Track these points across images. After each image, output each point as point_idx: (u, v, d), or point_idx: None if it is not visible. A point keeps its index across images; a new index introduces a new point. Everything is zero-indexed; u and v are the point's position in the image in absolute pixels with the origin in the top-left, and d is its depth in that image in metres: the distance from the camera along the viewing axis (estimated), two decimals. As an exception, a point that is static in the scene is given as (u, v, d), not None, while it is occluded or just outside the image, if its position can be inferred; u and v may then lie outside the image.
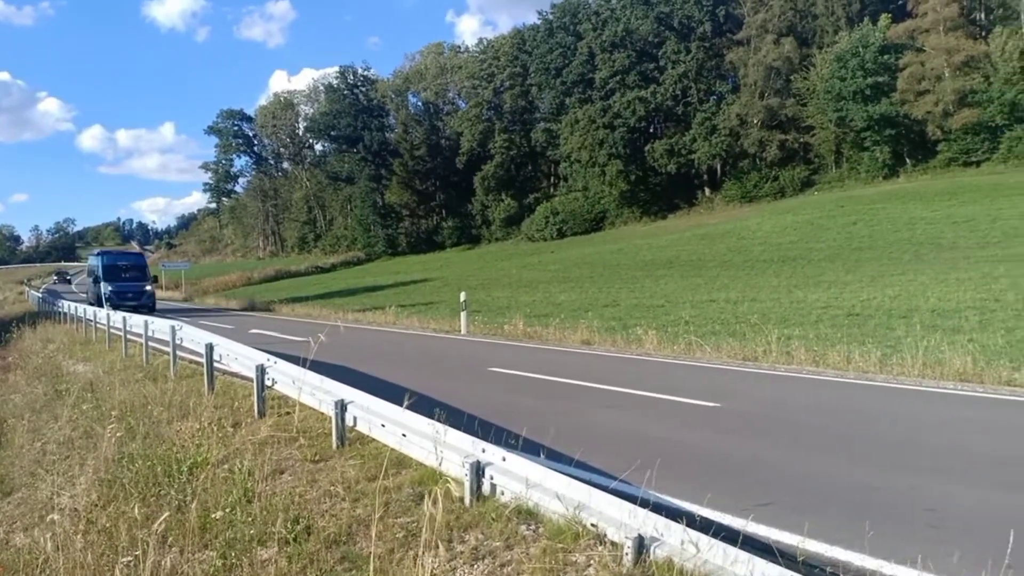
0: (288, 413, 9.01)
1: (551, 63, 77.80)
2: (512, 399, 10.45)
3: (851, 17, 63.50)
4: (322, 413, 8.28)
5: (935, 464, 6.71)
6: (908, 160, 58.23)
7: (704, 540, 4.47)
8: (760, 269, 34.24)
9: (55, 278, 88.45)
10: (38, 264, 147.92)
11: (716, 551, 4.41)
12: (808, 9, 67.15)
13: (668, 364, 13.26)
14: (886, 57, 56.99)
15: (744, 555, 4.27)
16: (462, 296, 20.29)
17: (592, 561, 4.82)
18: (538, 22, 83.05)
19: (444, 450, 6.30)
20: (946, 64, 54.68)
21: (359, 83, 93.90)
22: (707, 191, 71.03)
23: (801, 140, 64.64)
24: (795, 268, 32.83)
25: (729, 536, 4.55)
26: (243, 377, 10.71)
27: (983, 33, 58.32)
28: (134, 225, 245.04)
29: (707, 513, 5.40)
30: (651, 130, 74.76)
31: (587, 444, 7.49)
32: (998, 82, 53.95)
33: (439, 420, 6.57)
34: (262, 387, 9.39)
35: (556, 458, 6.70)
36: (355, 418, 7.56)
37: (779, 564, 4.12)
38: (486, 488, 5.88)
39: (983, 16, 59.96)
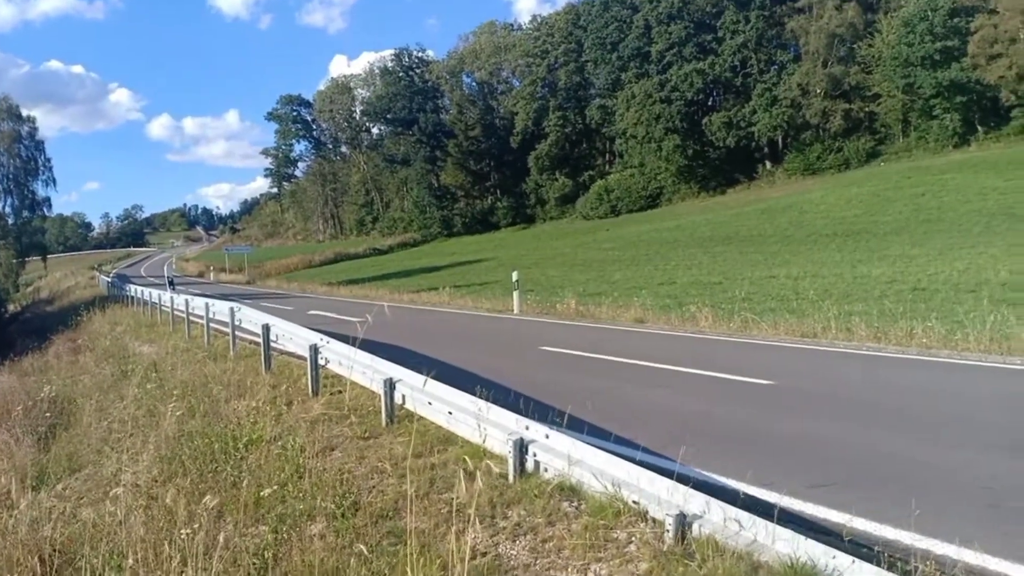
0: (340, 392, 9.20)
1: (606, 37, 76.65)
2: (560, 377, 10.43)
3: (920, -21, 60.76)
4: (372, 391, 8.42)
5: (994, 441, 6.46)
6: (980, 128, 55.60)
7: (746, 517, 4.40)
8: (823, 244, 33.32)
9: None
10: (108, 250, 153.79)
11: (759, 528, 4.34)
12: (873, -28, 64.56)
13: (722, 342, 13.04)
14: (956, 20, 54.34)
15: (787, 532, 4.20)
16: (514, 276, 20.30)
17: (633, 538, 4.80)
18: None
19: (488, 427, 6.35)
20: (1021, 25, 51.83)
21: (414, 65, 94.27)
22: (768, 164, 69.25)
23: (866, 109, 62.36)
24: (859, 242, 31.83)
25: (773, 514, 4.47)
26: (299, 357, 10.94)
27: (1063, -10, 55.11)
28: (199, 211, 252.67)
29: (753, 491, 5.32)
30: (709, 103, 73.18)
31: (633, 422, 7.45)
32: (1080, 42, 51.00)
33: (483, 398, 6.62)
34: (315, 366, 9.60)
35: (600, 435, 6.67)
36: (404, 396, 7.66)
37: (822, 543, 4.03)
38: (530, 465, 5.91)
39: (1063, -28, 56.60)
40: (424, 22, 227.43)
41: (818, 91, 62.59)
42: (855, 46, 62.62)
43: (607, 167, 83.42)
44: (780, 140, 68.15)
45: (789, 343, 12.37)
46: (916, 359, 10.39)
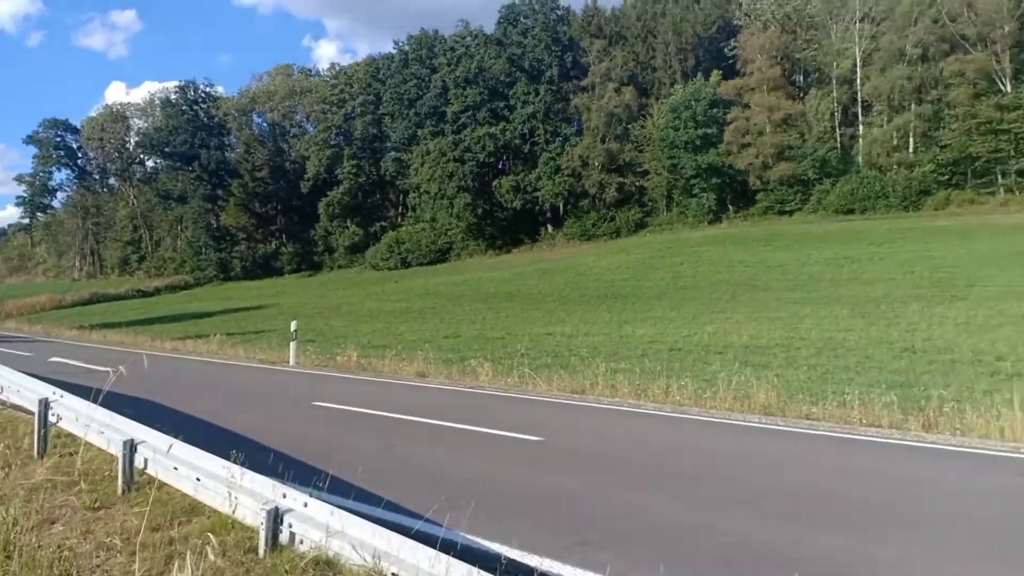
0: (72, 454, 8.07)
1: (405, 93, 77.67)
2: (331, 436, 9.96)
3: (686, 72, 67.96)
4: (112, 454, 7.46)
5: (735, 497, 6.98)
6: (731, 207, 62.78)
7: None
8: (595, 304, 35.40)
9: None
10: None
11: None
12: (648, 61, 71.22)
13: (499, 397, 13.23)
14: (715, 111, 61.42)
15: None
16: (293, 325, 19.43)
17: (389, 613, 4.53)
18: (393, 52, 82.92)
19: (241, 495, 5.81)
20: (767, 120, 59.72)
21: (200, 99, 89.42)
22: (550, 228, 73.06)
23: (637, 184, 68.01)
24: (626, 304, 34.20)
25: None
26: (27, 411, 9.53)
27: (801, 94, 64.25)
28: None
29: (515, 555, 5.28)
30: (500, 166, 76.13)
31: (402, 483, 7.22)
32: (811, 139, 59.60)
33: (238, 462, 6.07)
34: (45, 423, 8.38)
35: (366, 500, 6.37)
36: (146, 460, 6.85)
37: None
38: (284, 537, 5.44)
39: (801, 79, 66.09)
40: (216, 57, 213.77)
41: (596, 164, 67.42)
42: (630, 126, 68.46)
43: (399, 219, 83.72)
44: (562, 206, 72.30)
45: (561, 399, 12.81)
46: (671, 416, 11.14)
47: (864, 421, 9.95)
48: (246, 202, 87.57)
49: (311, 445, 8.88)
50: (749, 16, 65.40)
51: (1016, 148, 51.84)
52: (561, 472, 7.98)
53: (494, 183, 71.99)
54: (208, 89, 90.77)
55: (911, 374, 14.45)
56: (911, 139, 57.56)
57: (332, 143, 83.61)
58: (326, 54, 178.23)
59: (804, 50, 63.71)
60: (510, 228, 72.90)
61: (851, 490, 7.18)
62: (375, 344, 23.50)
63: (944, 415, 9.53)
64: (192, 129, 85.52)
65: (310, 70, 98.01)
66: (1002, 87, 53.57)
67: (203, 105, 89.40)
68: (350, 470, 7.18)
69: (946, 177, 54.57)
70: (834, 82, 61.46)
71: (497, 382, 14.73)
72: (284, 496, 5.58)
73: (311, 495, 5.56)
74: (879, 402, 10.35)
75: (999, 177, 53.20)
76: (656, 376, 13.61)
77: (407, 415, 11.07)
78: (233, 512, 5.74)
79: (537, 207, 72.31)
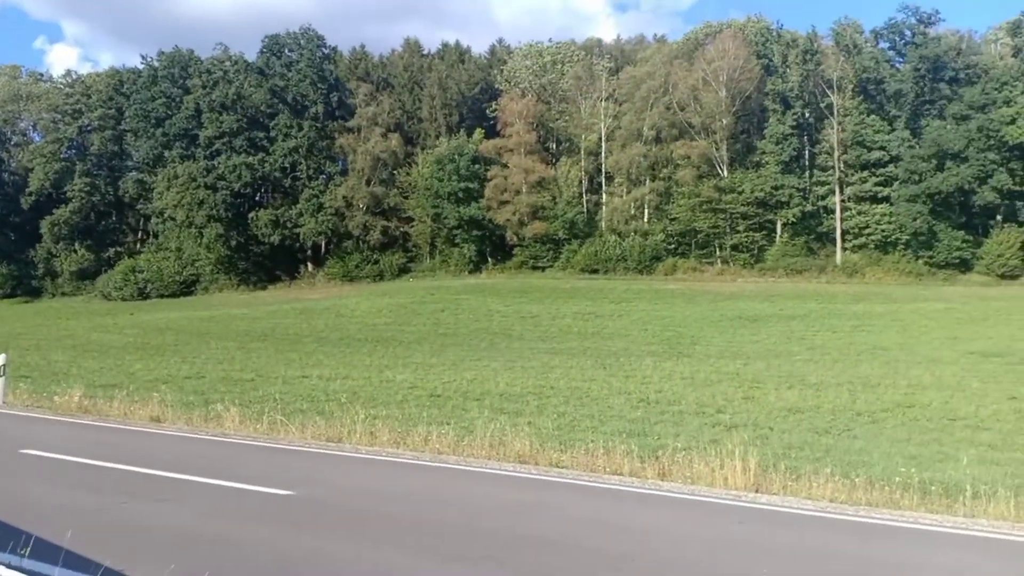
0: None
1: (152, 112, 71.76)
2: (41, 491, 8.59)
3: (451, 126, 70.12)
4: None
5: (484, 551, 6.96)
6: (490, 259, 65.51)
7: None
8: (355, 347, 34.70)
9: None
10: None
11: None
12: (414, 112, 72.53)
13: (246, 446, 12.31)
14: (477, 167, 64.13)
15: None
16: (1, 358, 16.75)
17: None
18: (141, 67, 76.57)
19: (-89, 569, 4.74)
20: (524, 181, 63.39)
21: None
22: (310, 266, 70.95)
23: (402, 229, 68.57)
24: (387, 349, 33.91)
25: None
26: None
27: (554, 160, 69.15)
28: None
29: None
30: (257, 198, 72.82)
31: (126, 548, 6.35)
32: (562, 203, 64.27)
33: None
34: None
35: (80, 568, 5.49)
36: None
37: None
38: (-31, 618, 4.51)
39: (555, 146, 71.20)
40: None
41: (361, 206, 67.05)
42: (396, 172, 69.15)
43: (138, 245, 76.73)
44: (324, 245, 70.71)
45: (314, 448, 12.22)
46: (429, 465, 11.02)
47: (608, 469, 10.55)
48: (-52, 214, 75.41)
49: (15, 502, 7.58)
50: (509, 82, 69.56)
51: (731, 225, 60.28)
52: (311, 531, 7.48)
53: (251, 215, 68.70)
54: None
55: (646, 423, 15.71)
56: (646, 210, 64.47)
57: (63, 156, 75.06)
58: (62, 60, 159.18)
59: (557, 120, 68.95)
60: (267, 264, 69.81)
61: (593, 540, 7.45)
62: (103, 383, 20.98)
63: (676, 463, 10.41)
64: None
65: (42, 75, 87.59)
66: (720, 171, 61.91)
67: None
68: (61, 532, 6.17)
69: (674, 246, 61.79)
70: (582, 152, 67.05)
71: (245, 429, 13.72)
72: (-27, 569, 4.65)
73: (8, 565, 4.70)
74: (620, 450, 11.05)
75: (717, 250, 61.28)
76: (416, 423, 13.50)
77: (137, 466, 9.89)
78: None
79: (298, 244, 70.03)
